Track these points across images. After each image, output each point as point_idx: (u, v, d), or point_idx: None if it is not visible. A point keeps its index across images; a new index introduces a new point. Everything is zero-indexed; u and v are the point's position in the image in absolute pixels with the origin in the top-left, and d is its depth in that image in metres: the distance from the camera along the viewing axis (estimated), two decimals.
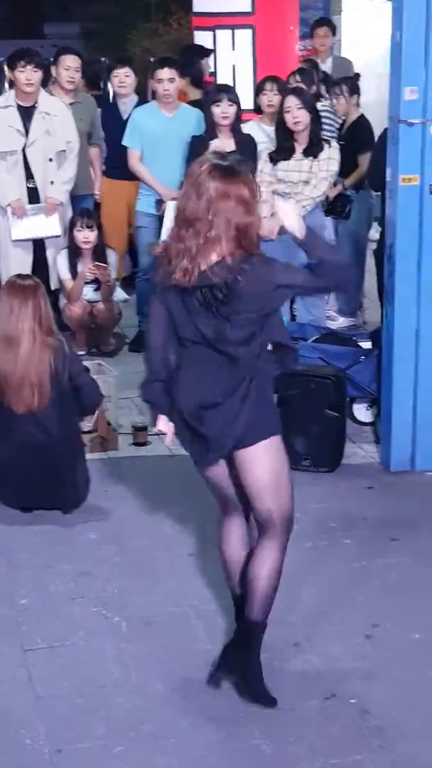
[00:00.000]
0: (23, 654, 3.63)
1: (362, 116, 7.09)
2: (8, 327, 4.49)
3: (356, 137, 6.98)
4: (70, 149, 6.25)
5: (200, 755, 3.14)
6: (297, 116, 5.76)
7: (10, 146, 6.01)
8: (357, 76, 7.42)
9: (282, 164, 5.88)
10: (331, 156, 5.88)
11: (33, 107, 6.04)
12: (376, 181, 6.60)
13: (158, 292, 3.25)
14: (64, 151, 6.16)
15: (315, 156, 5.84)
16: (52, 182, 6.15)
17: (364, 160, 6.86)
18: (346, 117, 7.09)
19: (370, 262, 7.12)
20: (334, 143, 6.08)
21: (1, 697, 3.41)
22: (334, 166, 5.91)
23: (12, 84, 6.34)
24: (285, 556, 3.35)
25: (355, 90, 7.08)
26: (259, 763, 3.10)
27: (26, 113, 6.04)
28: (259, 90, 6.57)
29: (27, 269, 5.92)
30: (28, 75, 5.95)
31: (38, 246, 6.30)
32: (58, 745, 3.19)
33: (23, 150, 6.02)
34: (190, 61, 7.31)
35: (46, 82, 6.88)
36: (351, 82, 7.19)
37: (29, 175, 6.06)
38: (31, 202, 6.12)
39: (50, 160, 6.10)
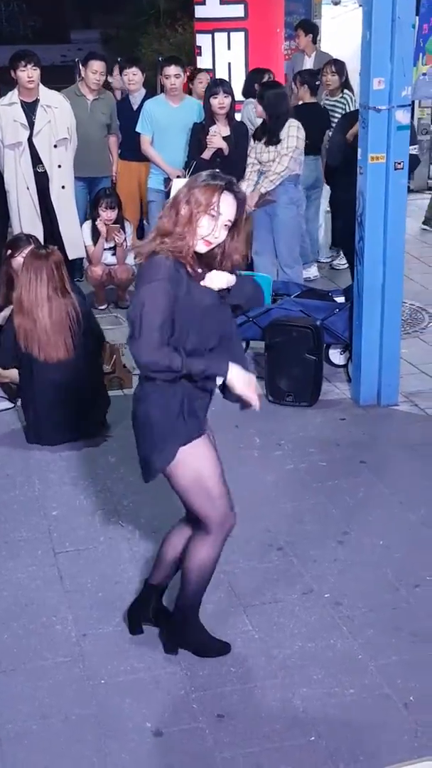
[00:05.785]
0: (54, 556, 3.66)
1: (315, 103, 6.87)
2: (29, 295, 4.43)
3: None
4: (71, 135, 5.98)
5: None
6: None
7: (16, 138, 5.79)
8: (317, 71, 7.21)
9: (259, 146, 5.76)
10: (290, 134, 5.64)
11: (35, 102, 5.83)
12: (332, 157, 6.38)
13: None
14: (66, 138, 5.92)
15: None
16: (59, 166, 5.90)
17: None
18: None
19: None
20: (292, 121, 5.71)
21: (36, 591, 3.44)
22: (293, 142, 5.64)
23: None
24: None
25: (305, 80, 6.84)
26: (250, 646, 3.12)
27: (30, 108, 5.82)
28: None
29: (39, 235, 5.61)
30: (29, 73, 5.71)
31: (50, 220, 5.99)
32: (83, 630, 3.22)
33: (29, 140, 5.82)
34: None
35: (75, 79, 6.68)
36: (306, 74, 6.98)
37: (38, 161, 5.87)
38: (39, 185, 5.87)
39: (55, 146, 5.88)
